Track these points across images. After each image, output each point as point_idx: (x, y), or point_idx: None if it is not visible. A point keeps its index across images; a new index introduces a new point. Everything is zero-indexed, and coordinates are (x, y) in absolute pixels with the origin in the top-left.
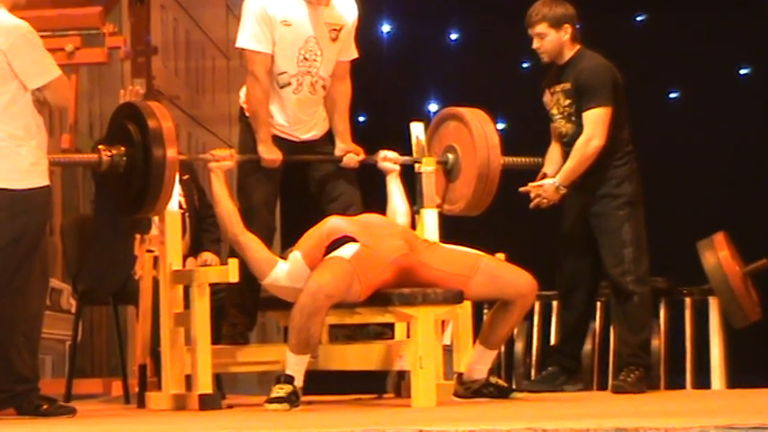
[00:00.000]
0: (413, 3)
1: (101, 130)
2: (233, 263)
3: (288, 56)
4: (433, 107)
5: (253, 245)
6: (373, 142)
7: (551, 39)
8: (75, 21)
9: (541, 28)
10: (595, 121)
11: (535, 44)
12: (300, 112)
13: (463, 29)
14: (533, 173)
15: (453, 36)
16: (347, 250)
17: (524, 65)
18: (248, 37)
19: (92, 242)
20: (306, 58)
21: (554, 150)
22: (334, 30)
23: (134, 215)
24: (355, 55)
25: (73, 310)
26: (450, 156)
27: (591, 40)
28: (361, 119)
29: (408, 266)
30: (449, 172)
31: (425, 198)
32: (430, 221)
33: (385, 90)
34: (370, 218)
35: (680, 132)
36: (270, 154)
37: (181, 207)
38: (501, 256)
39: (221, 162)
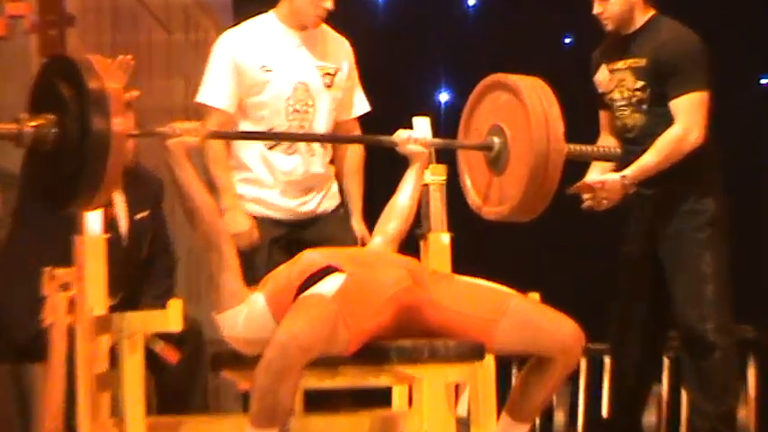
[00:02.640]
0: None
1: None
2: (175, 306)
3: (274, 109)
4: (444, 97)
5: (232, 267)
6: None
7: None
8: None
9: None
10: (692, 109)
11: (596, 8)
12: (299, 179)
13: None
14: (576, 169)
15: (471, 1)
16: (329, 285)
17: (566, 40)
18: (206, 89)
19: None
20: (297, 110)
21: (606, 144)
22: (328, 74)
23: (63, 207)
24: (366, 108)
25: None
26: (497, 140)
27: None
28: None
29: (412, 305)
30: (493, 162)
31: (433, 218)
32: (439, 250)
33: (381, 75)
34: (359, 248)
35: None
36: (237, 226)
37: (112, 230)
38: (534, 296)
39: (184, 138)
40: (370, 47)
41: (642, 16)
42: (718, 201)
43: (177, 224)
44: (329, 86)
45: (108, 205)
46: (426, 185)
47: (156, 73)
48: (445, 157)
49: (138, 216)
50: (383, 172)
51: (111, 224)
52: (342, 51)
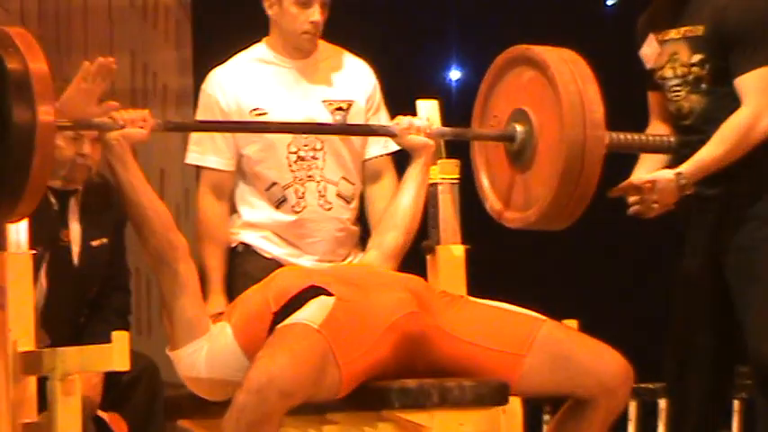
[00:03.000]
0: None
1: None
2: (120, 339)
3: (273, 160)
4: (455, 74)
5: (189, 290)
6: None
7: None
8: None
9: None
10: (764, 88)
11: None
12: (316, 240)
13: None
14: (620, 164)
15: None
16: (314, 311)
17: (608, 2)
18: (194, 146)
19: None
20: (301, 158)
21: (657, 132)
22: (339, 109)
23: None
24: (394, 146)
25: None
26: (520, 128)
27: None
28: None
29: (417, 335)
30: (516, 156)
31: (443, 227)
32: (451, 266)
33: (383, 50)
34: (351, 266)
35: None
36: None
37: (63, 257)
38: (571, 323)
39: (129, 130)
40: (371, 20)
41: None
42: None
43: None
44: (342, 123)
45: (64, 227)
46: (434, 186)
47: (93, 46)
48: (457, 150)
49: (95, 243)
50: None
51: (63, 252)
52: (358, 79)
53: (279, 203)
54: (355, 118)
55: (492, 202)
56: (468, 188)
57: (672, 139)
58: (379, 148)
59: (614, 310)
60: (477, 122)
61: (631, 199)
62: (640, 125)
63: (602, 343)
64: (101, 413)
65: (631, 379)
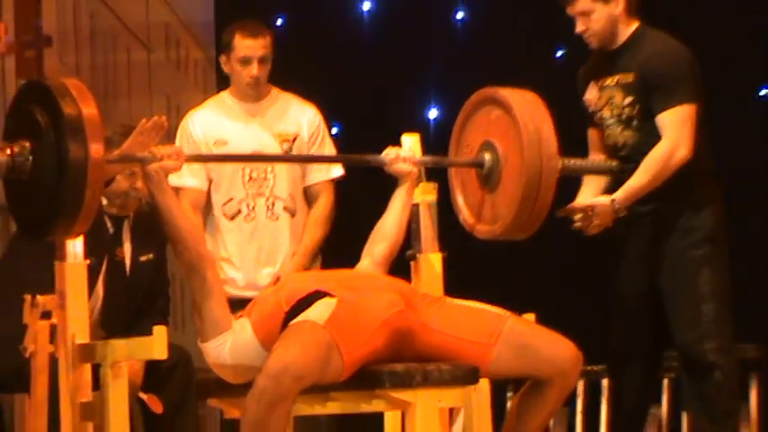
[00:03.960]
0: None
1: None
2: (159, 333)
3: (231, 179)
4: (433, 113)
5: (216, 294)
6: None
7: (599, 16)
8: None
9: (584, 3)
10: (680, 123)
11: (579, 27)
12: (263, 247)
13: (473, 4)
14: (570, 187)
15: (459, 15)
16: (320, 310)
17: (558, 53)
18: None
19: None
20: (252, 178)
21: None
22: (286, 141)
23: (43, 236)
24: (336, 173)
25: None
26: (488, 157)
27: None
28: (335, 130)
29: (405, 329)
30: (485, 179)
31: (424, 239)
32: (431, 271)
33: (367, 91)
34: (347, 271)
35: None
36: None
37: (118, 269)
38: (530, 317)
39: (165, 162)
40: (356, 62)
41: (626, 30)
42: (715, 215)
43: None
44: (288, 152)
45: (118, 246)
46: (416, 205)
47: (136, 92)
48: (436, 174)
49: (143, 258)
50: (370, 192)
51: (118, 264)
52: (302, 117)
53: (233, 216)
54: (300, 148)
55: (465, 216)
56: (445, 207)
57: (614, 163)
58: (318, 175)
59: (566, 305)
60: (453, 152)
61: (575, 218)
62: (584, 154)
63: (556, 333)
64: (141, 394)
65: (581, 363)
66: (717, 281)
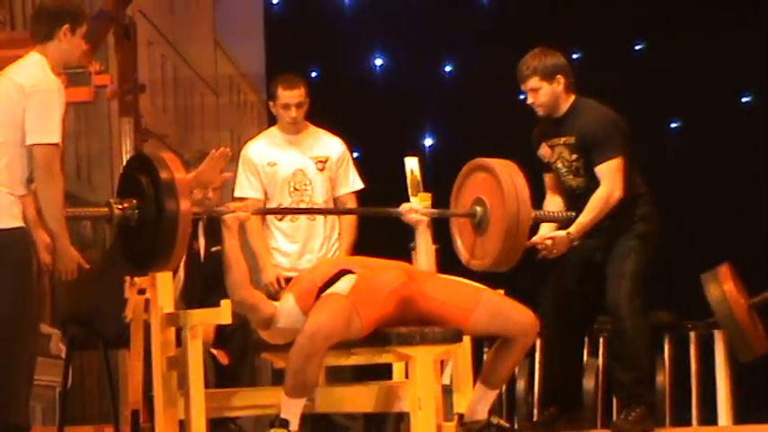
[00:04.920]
0: (406, 35)
1: (88, 171)
2: (225, 305)
3: (279, 189)
4: (428, 141)
5: (261, 305)
6: (369, 177)
7: (545, 92)
8: None
9: (534, 82)
10: (612, 173)
11: (529, 99)
12: (305, 240)
13: (458, 60)
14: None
15: (448, 68)
16: (344, 284)
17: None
18: (238, 187)
19: (92, 285)
20: (296, 188)
21: (552, 202)
22: (320, 161)
23: (145, 270)
24: (358, 186)
25: (62, 355)
26: (479, 209)
27: (591, 70)
28: (356, 154)
29: (408, 297)
30: (477, 226)
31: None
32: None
33: (379, 124)
34: (368, 258)
35: (681, 162)
36: (270, 277)
37: (195, 258)
38: (501, 291)
39: (238, 213)
40: (371, 103)
41: (566, 102)
42: (649, 225)
43: None
44: (321, 170)
45: (195, 240)
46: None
47: (207, 126)
48: (438, 223)
49: (213, 249)
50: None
51: (195, 254)
52: (331, 145)
53: (281, 218)
54: (330, 167)
55: (462, 254)
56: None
57: (572, 213)
58: (344, 189)
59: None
60: (453, 205)
61: (540, 248)
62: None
63: (520, 303)
64: (212, 350)
65: (538, 326)
66: (638, 266)
